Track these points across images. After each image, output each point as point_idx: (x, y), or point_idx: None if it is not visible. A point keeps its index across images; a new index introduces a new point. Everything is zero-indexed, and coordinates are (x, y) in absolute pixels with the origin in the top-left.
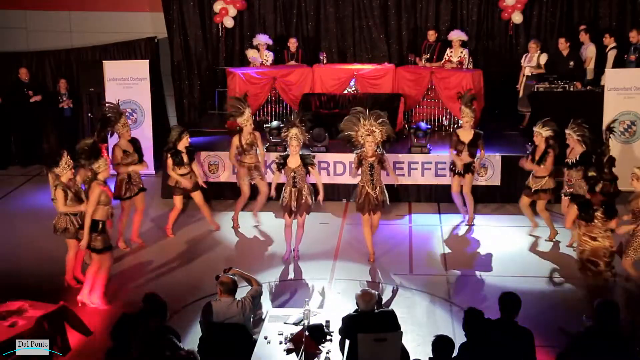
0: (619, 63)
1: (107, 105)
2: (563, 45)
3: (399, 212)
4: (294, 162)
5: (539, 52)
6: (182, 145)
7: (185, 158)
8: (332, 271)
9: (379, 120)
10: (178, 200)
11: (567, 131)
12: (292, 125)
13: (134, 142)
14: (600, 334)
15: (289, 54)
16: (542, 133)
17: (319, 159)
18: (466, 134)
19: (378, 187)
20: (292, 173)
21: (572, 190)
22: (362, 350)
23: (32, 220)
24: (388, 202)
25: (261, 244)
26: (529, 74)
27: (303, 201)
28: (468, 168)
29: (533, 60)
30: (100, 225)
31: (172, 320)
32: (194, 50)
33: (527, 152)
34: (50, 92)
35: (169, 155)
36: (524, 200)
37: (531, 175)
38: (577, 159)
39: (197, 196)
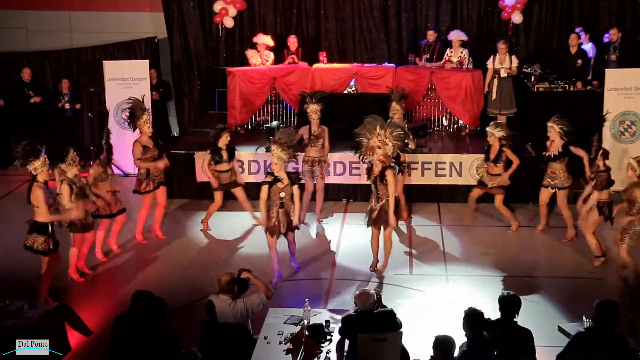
0: (602, 63)
1: (131, 100)
2: (573, 41)
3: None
4: (282, 181)
5: (507, 53)
6: (222, 143)
7: (225, 155)
8: (333, 271)
9: (395, 134)
10: (218, 195)
11: (549, 124)
12: (272, 143)
13: (155, 139)
14: (600, 334)
15: (289, 52)
16: (495, 134)
17: None
18: None
19: (385, 200)
20: (280, 193)
21: (555, 181)
22: (362, 350)
23: None
24: (393, 220)
25: (265, 244)
26: (505, 75)
27: (289, 221)
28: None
29: (506, 62)
30: (50, 228)
31: (172, 320)
32: (194, 50)
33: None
34: (51, 92)
35: (208, 152)
36: (475, 193)
37: (485, 172)
38: (560, 151)
39: (239, 192)
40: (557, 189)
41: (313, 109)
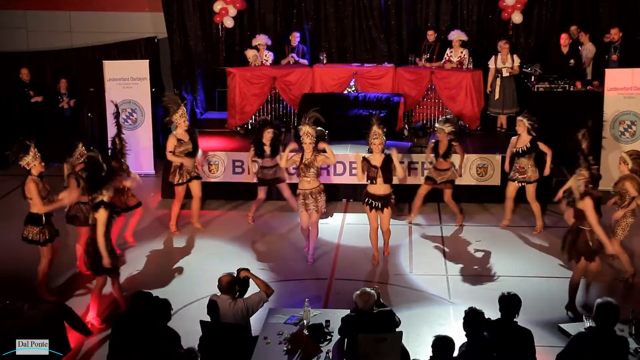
0: (602, 63)
1: (166, 96)
2: (565, 41)
3: (399, 212)
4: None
5: (509, 52)
6: (265, 139)
7: (267, 151)
8: (333, 271)
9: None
10: (261, 191)
11: (519, 118)
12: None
13: (191, 132)
14: (601, 334)
15: (290, 48)
16: (444, 129)
17: None
18: (377, 158)
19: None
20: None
21: (524, 176)
22: (362, 350)
23: None
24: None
25: (265, 244)
26: (507, 75)
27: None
28: (387, 201)
29: (508, 61)
30: (44, 219)
31: (172, 320)
32: (194, 50)
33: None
34: (51, 92)
35: (252, 145)
36: (423, 189)
37: (432, 168)
38: (528, 146)
39: (284, 188)
40: (525, 183)
41: (305, 131)
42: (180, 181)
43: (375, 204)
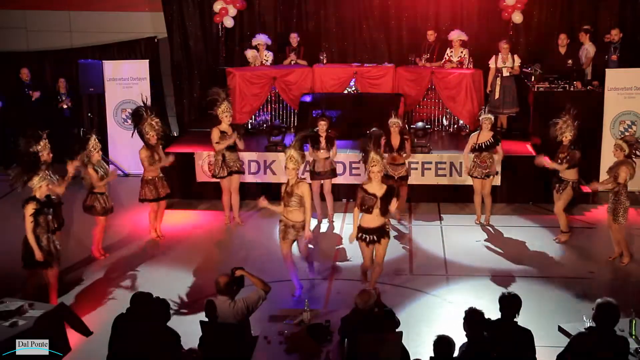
0: (602, 63)
1: (213, 90)
2: (563, 41)
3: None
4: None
5: (509, 52)
6: (321, 130)
7: (322, 142)
8: (333, 271)
9: None
10: (315, 185)
11: (483, 116)
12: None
13: (235, 127)
14: (601, 334)
15: (290, 49)
16: (399, 122)
17: None
18: (376, 187)
19: None
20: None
21: (488, 170)
22: (362, 350)
23: None
24: None
25: (265, 244)
26: (507, 74)
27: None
28: (383, 232)
29: (508, 61)
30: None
31: (172, 320)
32: (194, 50)
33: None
34: (50, 92)
35: (308, 138)
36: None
37: (388, 163)
38: (491, 141)
39: (328, 183)
40: (488, 177)
41: (289, 156)
42: (221, 174)
43: (370, 237)
